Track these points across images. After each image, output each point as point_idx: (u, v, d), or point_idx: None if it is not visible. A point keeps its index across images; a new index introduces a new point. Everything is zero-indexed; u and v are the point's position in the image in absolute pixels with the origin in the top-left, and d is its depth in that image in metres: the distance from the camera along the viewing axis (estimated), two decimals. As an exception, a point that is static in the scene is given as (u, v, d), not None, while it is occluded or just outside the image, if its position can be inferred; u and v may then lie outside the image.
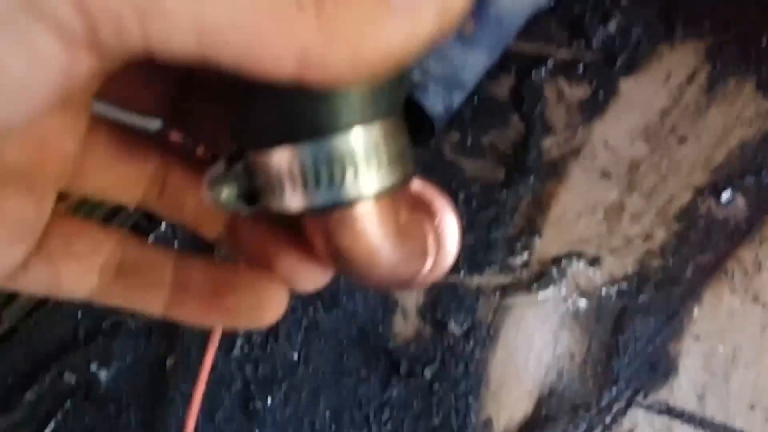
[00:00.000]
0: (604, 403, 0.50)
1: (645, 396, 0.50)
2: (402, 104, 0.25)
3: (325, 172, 0.23)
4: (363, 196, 0.23)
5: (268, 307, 0.27)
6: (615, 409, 0.50)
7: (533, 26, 0.59)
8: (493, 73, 0.58)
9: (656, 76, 0.59)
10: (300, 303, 0.52)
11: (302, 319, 0.52)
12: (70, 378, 0.51)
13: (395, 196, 0.25)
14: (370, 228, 0.25)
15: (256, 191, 0.24)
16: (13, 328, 0.51)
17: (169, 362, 0.51)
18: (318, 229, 0.25)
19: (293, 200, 0.23)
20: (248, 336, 0.52)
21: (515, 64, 0.59)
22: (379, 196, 0.24)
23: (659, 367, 0.51)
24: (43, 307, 0.52)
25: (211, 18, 0.16)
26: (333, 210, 0.24)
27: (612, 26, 0.60)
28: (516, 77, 0.59)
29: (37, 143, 0.23)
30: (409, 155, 0.25)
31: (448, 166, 0.57)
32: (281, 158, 0.23)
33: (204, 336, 0.50)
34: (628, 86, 0.58)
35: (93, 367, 0.51)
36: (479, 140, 0.57)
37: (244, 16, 0.16)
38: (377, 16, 0.17)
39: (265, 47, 0.17)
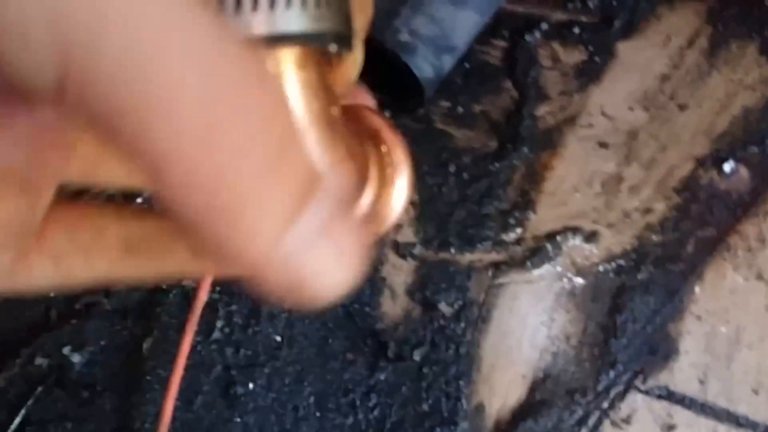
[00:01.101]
0: (601, 387, 0.48)
1: (644, 380, 0.48)
2: None
3: None
4: (281, 33, 0.19)
5: None
6: (613, 393, 0.48)
7: (527, -14, 0.56)
8: (484, 37, 0.55)
9: (655, 40, 0.56)
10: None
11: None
12: (41, 362, 0.48)
13: (327, 74, 0.22)
14: (291, 93, 0.20)
15: None
16: (-23, 312, 0.49)
17: (146, 345, 0.49)
18: None
19: None
20: (228, 317, 0.49)
21: (508, 26, 0.56)
22: (306, 53, 0.20)
23: (659, 349, 0.49)
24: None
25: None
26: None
27: (610, -14, 0.57)
28: (509, 41, 0.56)
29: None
30: (349, 17, 0.21)
31: (438, 136, 0.54)
32: None
33: (182, 317, 0.48)
34: (626, 50, 0.56)
35: (66, 350, 0.48)
36: (470, 108, 0.54)
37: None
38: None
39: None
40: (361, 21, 0.23)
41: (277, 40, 0.19)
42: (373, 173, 0.24)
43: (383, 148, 0.25)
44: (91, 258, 0.23)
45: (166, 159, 0.13)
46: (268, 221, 0.15)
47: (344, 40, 0.21)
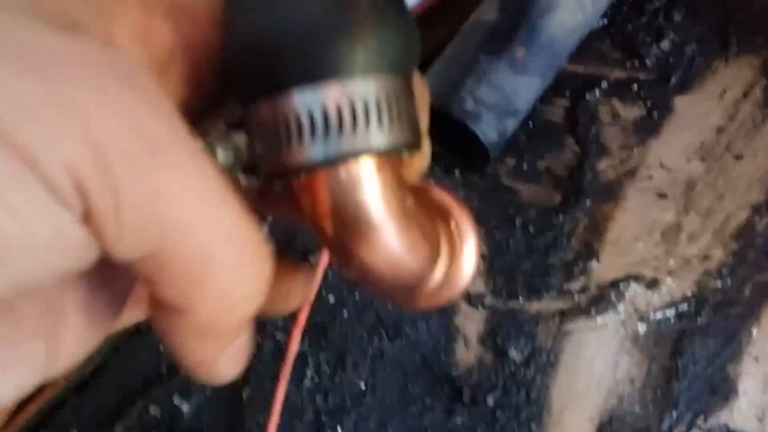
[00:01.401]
0: (664, 426, 0.51)
1: (705, 419, 0.51)
2: (413, 67, 0.24)
3: (321, 120, 0.22)
4: (363, 150, 0.22)
5: (296, 294, 0.29)
6: (675, 433, 0.51)
7: (586, 47, 0.60)
8: (546, 97, 0.59)
9: (711, 93, 0.59)
10: (365, 333, 0.55)
11: (368, 349, 0.54)
12: (155, 411, 0.54)
13: (401, 170, 0.24)
14: (372, 195, 0.23)
15: (256, 160, 0.24)
16: (102, 364, 0.54)
17: (245, 394, 0.54)
18: (314, 198, 0.23)
19: (290, 156, 0.22)
20: (317, 367, 0.54)
21: (569, 86, 0.60)
22: (383, 160, 0.23)
23: (719, 390, 0.52)
24: (129, 342, 0.55)
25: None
26: (331, 167, 0.23)
27: (665, 44, 0.60)
28: (570, 99, 0.60)
29: None
30: (417, 125, 0.24)
31: (504, 192, 0.58)
32: (277, 107, 0.22)
33: (276, 368, 0.53)
34: (683, 104, 0.59)
35: (176, 400, 0.54)
36: (535, 164, 0.58)
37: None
38: None
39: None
40: (425, 119, 0.26)
41: (357, 155, 0.22)
42: (444, 247, 0.28)
43: (452, 223, 0.29)
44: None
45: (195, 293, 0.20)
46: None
47: (415, 145, 0.24)
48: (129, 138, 0.18)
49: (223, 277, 0.20)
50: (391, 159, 0.24)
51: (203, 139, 0.24)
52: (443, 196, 0.29)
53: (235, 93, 0.24)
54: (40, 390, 0.53)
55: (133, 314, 0.28)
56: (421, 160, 0.26)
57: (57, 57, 0.18)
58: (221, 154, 0.23)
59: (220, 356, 0.23)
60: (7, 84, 0.17)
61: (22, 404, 0.53)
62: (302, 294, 0.29)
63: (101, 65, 0.18)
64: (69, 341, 0.23)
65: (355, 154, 0.22)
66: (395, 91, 0.23)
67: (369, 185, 0.23)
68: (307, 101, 0.22)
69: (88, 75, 0.18)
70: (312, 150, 0.22)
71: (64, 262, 0.18)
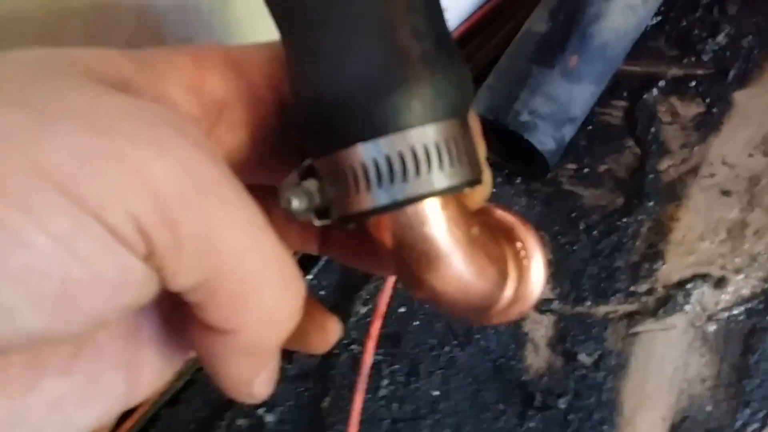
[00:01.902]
0: (738, 425, 0.52)
1: (779, 416, 0.52)
2: (468, 107, 0.26)
3: (386, 168, 0.23)
4: (427, 193, 0.24)
5: (332, 334, 0.31)
6: (749, 431, 0.51)
7: (641, 46, 0.60)
8: (604, 99, 0.59)
9: (771, 85, 0.58)
10: (436, 341, 0.56)
11: (440, 357, 0.56)
12: (242, 423, 0.56)
13: (465, 202, 0.26)
14: (439, 229, 0.25)
15: (328, 204, 0.25)
16: (191, 380, 0.58)
17: (324, 404, 0.56)
18: (386, 235, 0.25)
19: (360, 201, 0.24)
20: (392, 376, 0.56)
21: (626, 87, 0.60)
22: (447, 197, 0.25)
23: (792, 386, 0.52)
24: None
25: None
26: (398, 209, 0.24)
27: (721, 38, 0.60)
28: (628, 100, 0.60)
29: None
30: (476, 160, 0.26)
31: (567, 197, 0.59)
32: (345, 159, 0.24)
33: (353, 378, 0.55)
34: (742, 98, 0.59)
35: (260, 411, 0.57)
36: (596, 168, 0.59)
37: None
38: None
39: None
40: (482, 149, 0.27)
41: (422, 198, 0.24)
42: (511, 267, 0.29)
43: (518, 243, 0.30)
44: None
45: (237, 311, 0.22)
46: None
47: (476, 181, 0.26)
48: (183, 181, 0.20)
49: (268, 299, 0.23)
50: (454, 195, 0.25)
51: (280, 188, 0.26)
52: (506, 216, 0.31)
53: (304, 145, 0.26)
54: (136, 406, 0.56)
55: None
56: (483, 189, 0.28)
57: (114, 115, 0.20)
58: (295, 200, 0.25)
59: (257, 376, 0.25)
60: (71, 143, 0.19)
61: (119, 421, 0.56)
62: (336, 332, 0.31)
63: (153, 119, 0.21)
64: (147, 372, 0.26)
65: (420, 198, 0.24)
66: (453, 134, 0.24)
67: (435, 221, 0.25)
68: (371, 153, 0.24)
69: (141, 128, 0.20)
70: (379, 196, 0.24)
71: (128, 297, 0.21)
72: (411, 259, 0.25)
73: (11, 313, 0.18)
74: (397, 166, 0.24)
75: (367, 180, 0.24)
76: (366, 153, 0.24)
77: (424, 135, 0.24)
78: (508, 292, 0.29)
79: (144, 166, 0.19)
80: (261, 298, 0.22)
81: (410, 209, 0.24)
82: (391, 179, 0.24)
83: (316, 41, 0.24)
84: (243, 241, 0.22)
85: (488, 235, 0.28)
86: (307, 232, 0.32)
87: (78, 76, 0.21)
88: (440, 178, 0.24)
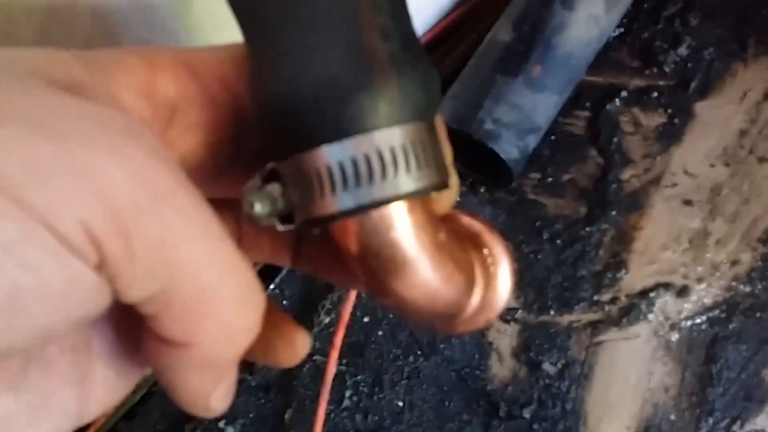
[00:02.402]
0: (701, 433, 0.52)
1: (742, 425, 0.52)
2: (435, 110, 0.25)
3: (351, 171, 0.23)
4: (394, 196, 0.23)
5: (301, 348, 0.30)
6: (712, 439, 0.52)
7: (604, 57, 0.60)
8: (567, 109, 0.60)
9: (732, 96, 0.59)
10: (401, 351, 0.56)
11: (404, 368, 0.56)
12: (200, 437, 0.56)
13: (431, 207, 0.25)
14: (405, 234, 0.24)
15: (292, 209, 0.25)
16: (149, 392, 0.56)
17: (287, 415, 0.55)
18: (351, 241, 0.25)
19: (324, 205, 0.23)
20: (356, 387, 0.55)
21: (589, 97, 0.61)
22: (414, 201, 0.24)
23: (754, 395, 0.52)
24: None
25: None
26: (363, 213, 0.24)
27: (683, 49, 0.60)
28: (591, 111, 0.60)
29: None
30: (443, 163, 0.25)
31: (530, 206, 0.59)
32: (309, 162, 0.23)
33: (316, 389, 0.54)
34: (703, 109, 0.59)
35: (221, 424, 0.55)
36: (559, 177, 0.59)
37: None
38: None
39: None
40: (449, 153, 0.27)
41: (388, 201, 0.24)
42: (478, 274, 0.29)
43: (485, 250, 0.30)
44: None
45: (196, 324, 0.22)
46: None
47: (443, 185, 0.25)
48: (137, 188, 0.19)
49: (225, 311, 0.22)
50: (420, 199, 0.25)
51: (242, 192, 0.25)
52: (472, 223, 0.30)
53: (266, 147, 0.25)
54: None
55: None
56: (450, 194, 0.27)
57: (66, 119, 0.19)
58: (258, 204, 0.24)
59: (215, 390, 0.24)
60: (19, 147, 0.18)
61: (75, 436, 0.55)
62: (305, 346, 0.31)
63: (106, 123, 0.20)
64: (99, 388, 0.25)
65: (386, 201, 0.23)
66: (420, 137, 0.24)
67: (401, 226, 0.24)
68: (336, 155, 0.23)
69: (94, 133, 0.19)
70: (344, 199, 0.23)
71: (78, 308, 0.20)
72: (377, 265, 0.25)
73: None
74: (362, 169, 0.23)
75: (332, 183, 0.23)
76: (331, 155, 0.23)
77: (391, 137, 0.23)
78: (475, 299, 0.28)
79: (96, 172, 0.19)
80: (218, 310, 0.22)
81: (376, 213, 0.24)
82: (357, 182, 0.23)
83: (279, 41, 0.23)
84: (199, 251, 0.21)
85: (455, 242, 0.27)
86: (278, 244, 0.31)
87: (25, 77, 0.20)
88: (407, 181, 0.23)
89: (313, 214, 0.24)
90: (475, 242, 0.30)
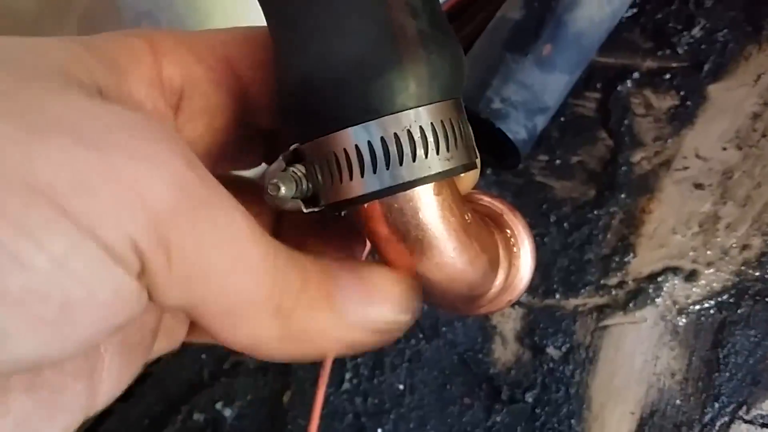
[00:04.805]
0: (707, 419, 0.51)
1: (748, 410, 0.51)
2: (461, 89, 0.25)
3: (381, 152, 0.23)
4: (424, 178, 0.23)
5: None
6: (718, 425, 0.51)
7: (616, 38, 0.59)
8: (577, 90, 0.58)
9: (745, 79, 0.58)
10: (402, 335, 0.55)
11: (405, 351, 0.55)
12: (198, 417, 0.55)
13: (458, 188, 0.25)
14: (433, 216, 0.24)
15: (317, 191, 0.24)
16: (146, 373, 0.56)
17: (285, 398, 0.55)
18: (377, 223, 0.24)
19: (351, 187, 0.23)
20: (356, 370, 0.55)
21: (600, 78, 0.59)
22: (441, 182, 0.24)
23: (761, 380, 0.51)
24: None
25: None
26: (393, 194, 0.23)
27: (697, 31, 0.59)
28: (602, 92, 0.59)
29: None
30: (471, 143, 0.25)
31: (538, 188, 0.58)
32: (336, 143, 0.23)
33: (315, 372, 0.53)
34: (716, 92, 0.58)
35: (218, 405, 0.55)
36: (568, 159, 0.58)
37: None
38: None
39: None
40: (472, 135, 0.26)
41: (419, 183, 0.23)
42: (502, 255, 0.29)
43: (507, 231, 0.30)
44: None
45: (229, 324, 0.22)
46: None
47: (472, 165, 0.25)
48: (176, 199, 0.19)
49: (260, 319, 0.22)
50: (448, 180, 0.24)
51: (266, 175, 0.24)
52: (494, 203, 0.30)
53: (290, 129, 0.25)
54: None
55: (163, 345, 0.29)
56: (474, 174, 0.27)
57: (105, 129, 0.19)
58: (282, 187, 0.24)
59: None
60: (64, 158, 0.18)
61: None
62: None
63: (145, 132, 0.20)
64: (107, 380, 0.25)
65: (417, 183, 0.23)
66: (449, 117, 0.23)
67: (429, 207, 0.24)
68: (364, 136, 0.23)
69: (134, 143, 0.19)
70: (373, 181, 0.23)
71: (120, 316, 0.20)
72: (403, 246, 0.24)
73: (3, 338, 0.17)
74: (392, 150, 0.22)
75: (361, 164, 0.23)
76: (359, 136, 0.23)
77: (421, 116, 0.23)
78: (499, 280, 0.28)
79: (139, 183, 0.19)
80: (253, 319, 0.22)
81: (404, 195, 0.23)
82: (387, 163, 0.23)
83: (306, 20, 0.23)
84: (233, 258, 0.21)
85: (480, 223, 0.27)
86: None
87: (58, 80, 0.20)
88: (437, 161, 0.23)
89: (341, 196, 0.23)
90: (498, 222, 0.30)
